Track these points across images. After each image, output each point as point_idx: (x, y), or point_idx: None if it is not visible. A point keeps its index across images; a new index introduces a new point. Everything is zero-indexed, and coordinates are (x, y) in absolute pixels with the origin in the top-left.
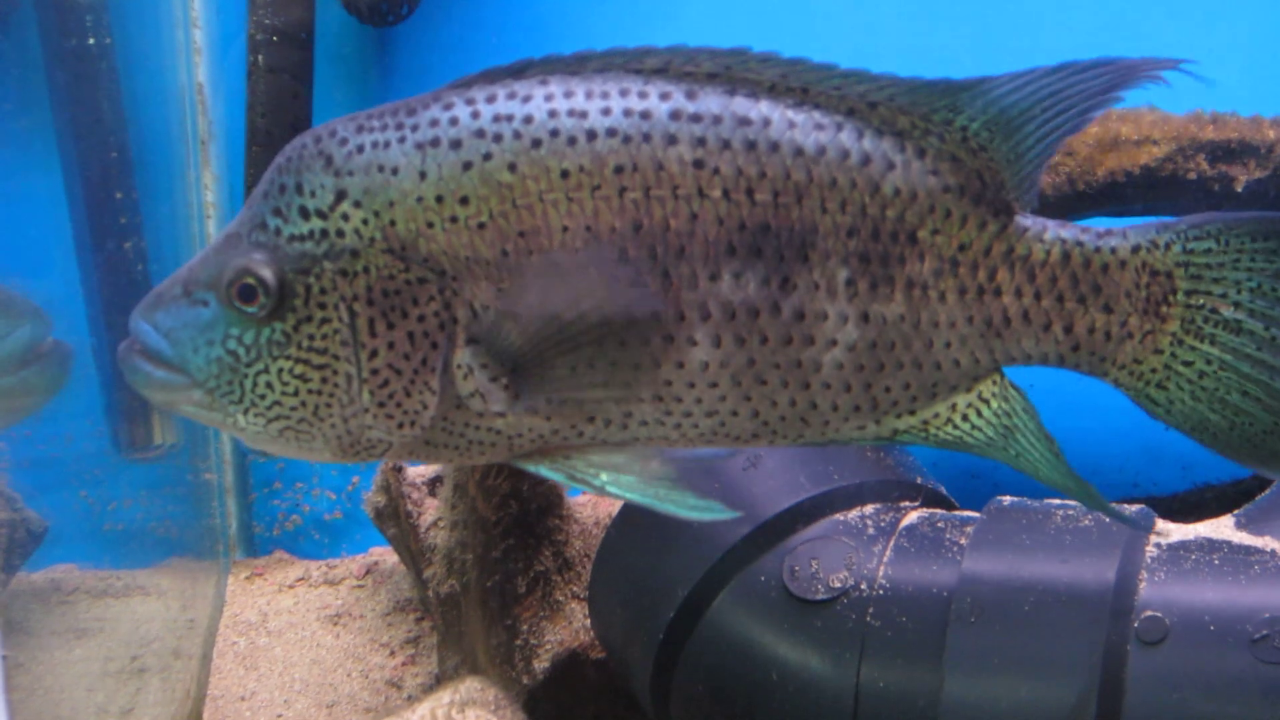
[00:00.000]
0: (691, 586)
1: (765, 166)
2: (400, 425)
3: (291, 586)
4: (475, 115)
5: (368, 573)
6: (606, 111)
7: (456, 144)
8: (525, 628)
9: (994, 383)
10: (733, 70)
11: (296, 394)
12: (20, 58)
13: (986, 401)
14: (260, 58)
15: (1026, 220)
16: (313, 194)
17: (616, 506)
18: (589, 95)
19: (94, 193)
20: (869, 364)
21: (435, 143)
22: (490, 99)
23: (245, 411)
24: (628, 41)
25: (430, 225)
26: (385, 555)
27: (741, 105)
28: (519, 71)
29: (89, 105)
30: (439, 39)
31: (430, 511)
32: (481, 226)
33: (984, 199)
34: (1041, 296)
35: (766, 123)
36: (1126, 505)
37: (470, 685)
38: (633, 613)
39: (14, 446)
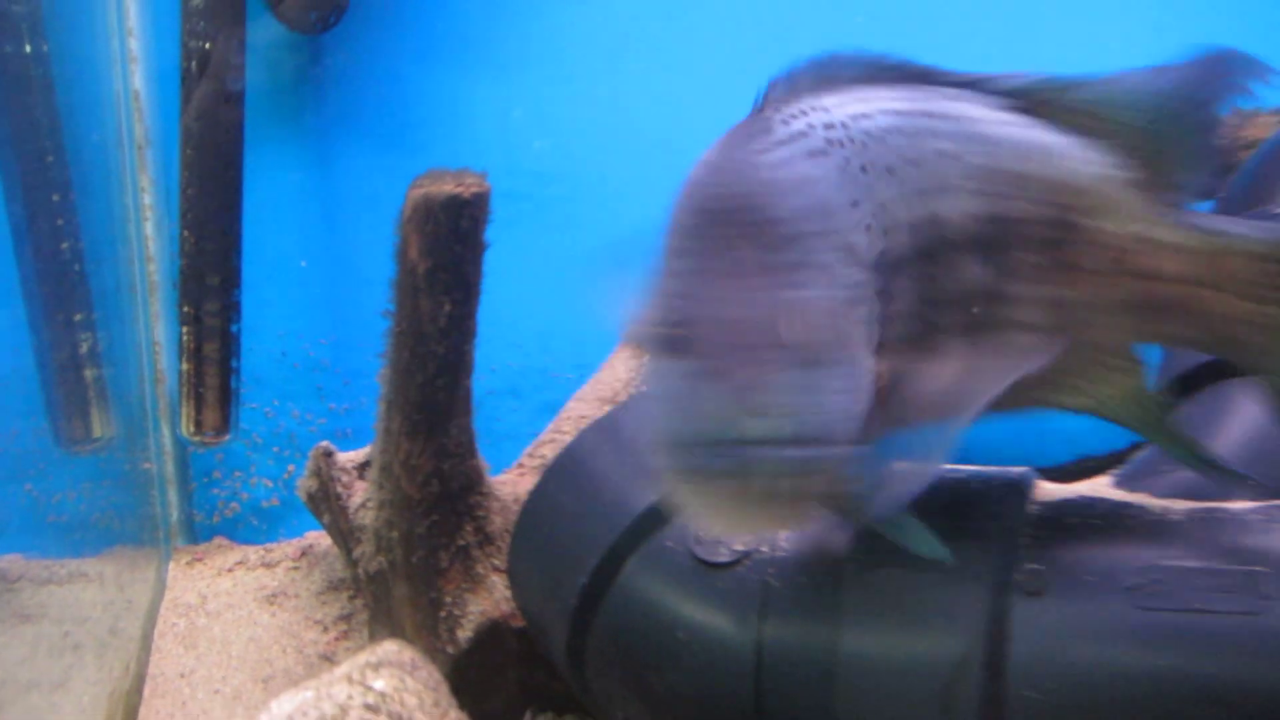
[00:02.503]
0: (603, 554)
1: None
2: None
3: (230, 570)
4: None
5: (303, 555)
6: None
7: None
8: (449, 600)
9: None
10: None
11: None
12: None
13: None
14: (194, 65)
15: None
16: None
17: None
18: None
19: (31, 195)
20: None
21: None
22: None
23: None
24: (550, 44)
25: None
26: (320, 538)
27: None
28: None
29: (25, 110)
30: (368, 46)
31: (359, 493)
32: None
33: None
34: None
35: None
36: (1010, 469)
37: (387, 647)
38: (548, 581)
39: None
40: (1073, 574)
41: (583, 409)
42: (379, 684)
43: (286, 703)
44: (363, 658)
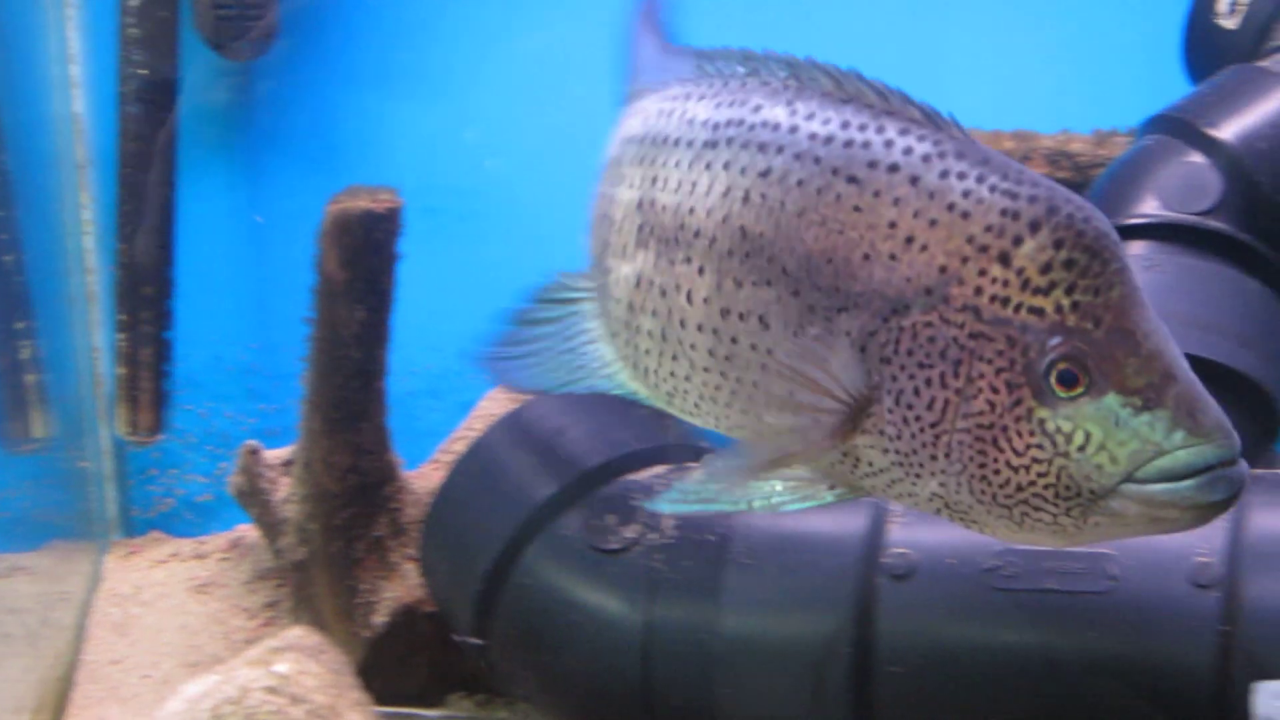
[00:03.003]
0: (504, 542)
1: None
2: None
3: (164, 562)
4: None
5: (233, 547)
6: None
7: None
8: (365, 587)
9: None
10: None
11: None
12: None
13: None
14: (131, 90)
15: None
16: None
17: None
18: None
19: None
20: None
21: None
22: None
23: None
24: (468, 68)
25: None
26: (249, 531)
27: None
28: None
29: None
30: (295, 72)
31: (283, 488)
32: None
33: None
34: None
35: None
36: None
37: (295, 633)
38: (455, 568)
39: None
40: (936, 557)
41: (493, 407)
42: (281, 667)
43: (194, 686)
44: (270, 643)
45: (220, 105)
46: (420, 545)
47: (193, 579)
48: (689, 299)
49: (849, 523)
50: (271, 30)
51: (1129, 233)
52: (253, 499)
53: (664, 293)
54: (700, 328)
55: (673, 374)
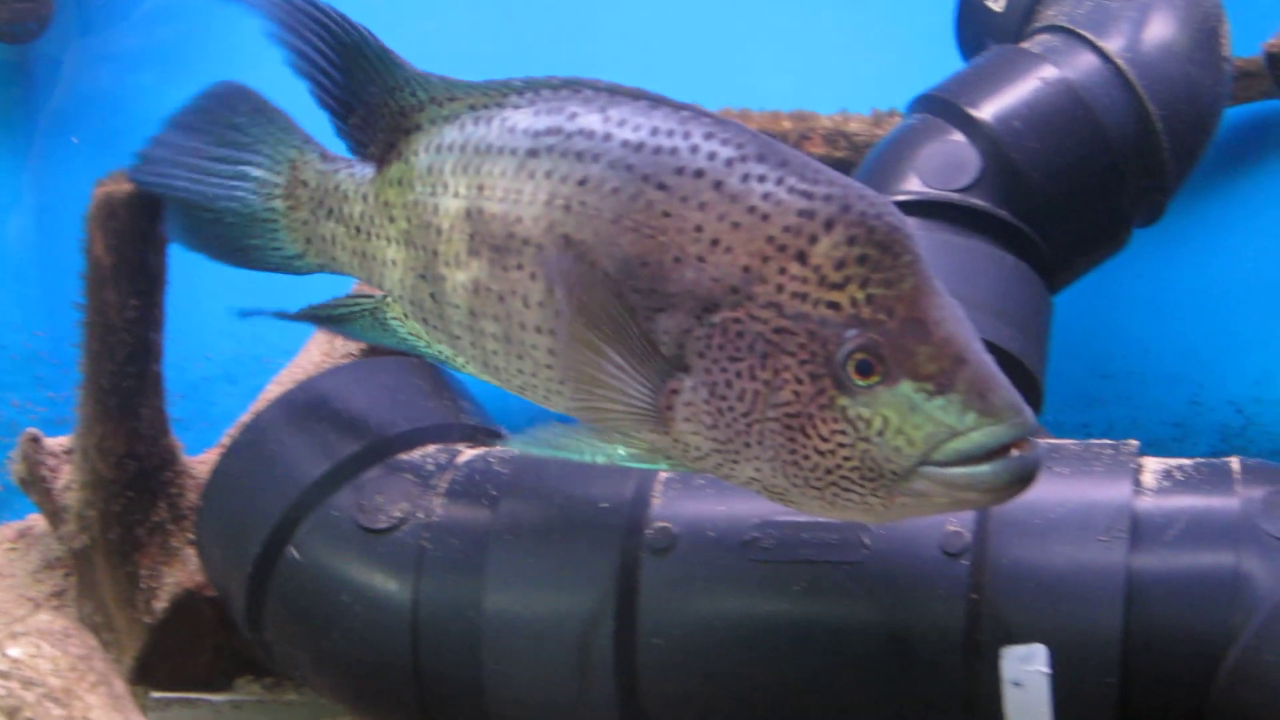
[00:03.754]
0: (274, 523)
1: None
2: None
3: None
4: None
5: (20, 536)
6: None
7: None
8: (145, 573)
9: None
10: None
11: None
12: None
13: None
14: None
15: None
16: None
17: None
18: None
19: None
20: None
21: None
22: None
23: None
24: (247, 51)
25: None
26: (39, 520)
27: None
28: None
29: None
30: (74, 54)
31: (65, 476)
32: None
33: None
34: None
35: None
36: None
37: (40, 619)
38: (229, 550)
39: None
40: (697, 530)
41: (279, 391)
42: (14, 651)
43: None
44: (14, 629)
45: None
46: (195, 528)
47: None
48: (525, 303)
49: (613, 498)
50: (49, 12)
51: None
52: (34, 487)
53: (502, 298)
54: (538, 329)
55: (520, 371)
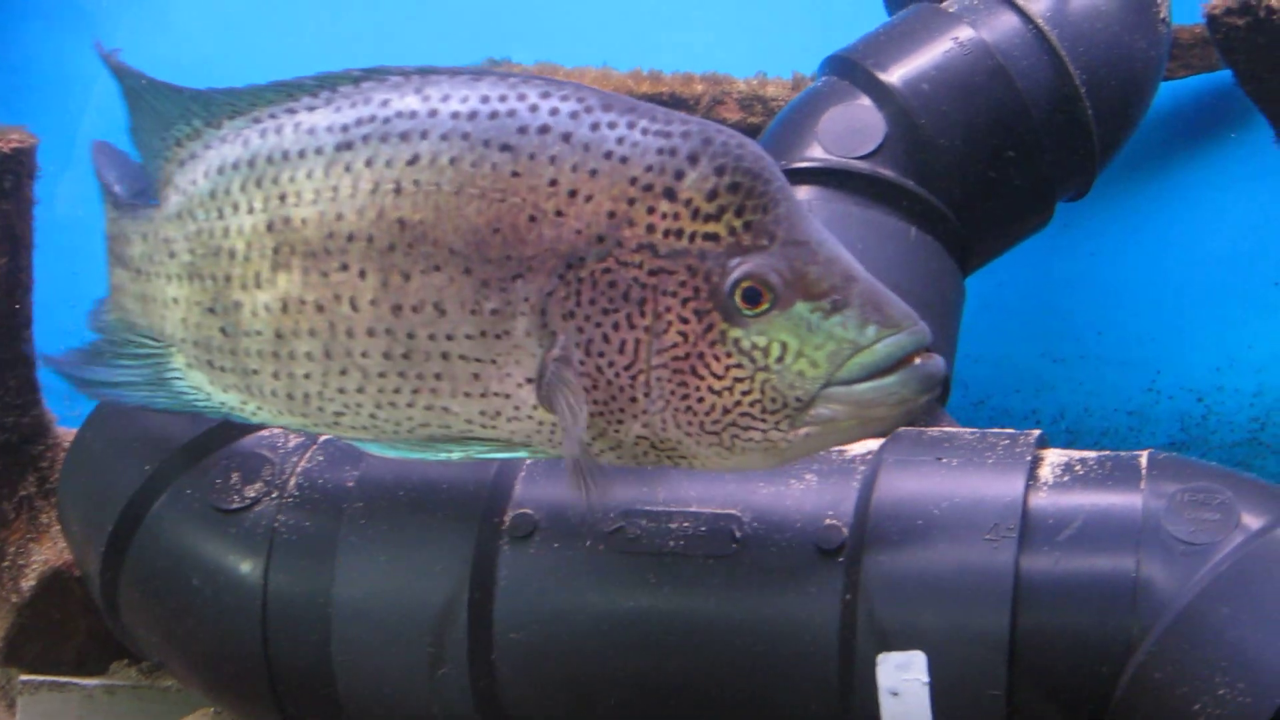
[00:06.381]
0: (128, 499)
1: None
2: None
3: None
4: None
5: None
6: None
7: None
8: (13, 550)
9: None
10: None
11: None
12: None
13: None
14: None
15: None
16: None
17: None
18: None
19: None
20: None
21: None
22: None
23: None
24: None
25: None
26: None
27: None
28: None
29: None
30: None
31: None
32: None
33: None
34: None
35: None
36: None
37: None
38: (86, 527)
39: None
40: (560, 517)
41: None
42: None
43: None
44: None
45: None
46: (57, 504)
47: None
48: (354, 306)
49: (473, 480)
50: None
51: (794, 177)
52: None
53: (321, 308)
54: (371, 332)
55: (341, 390)
